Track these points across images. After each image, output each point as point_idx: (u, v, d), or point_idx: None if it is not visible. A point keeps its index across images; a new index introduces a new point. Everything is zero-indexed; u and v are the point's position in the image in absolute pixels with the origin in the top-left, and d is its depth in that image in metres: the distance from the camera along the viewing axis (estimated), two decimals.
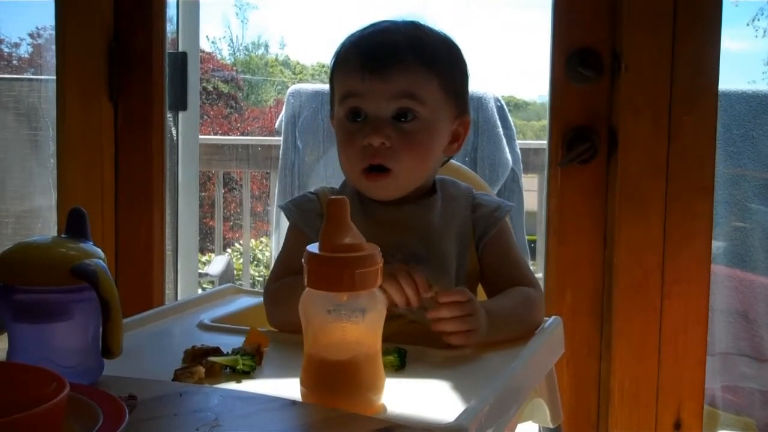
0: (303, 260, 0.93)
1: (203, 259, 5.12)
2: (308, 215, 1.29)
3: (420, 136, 1.24)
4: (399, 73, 1.23)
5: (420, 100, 1.23)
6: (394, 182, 1.25)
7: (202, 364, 1.03)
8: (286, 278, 1.23)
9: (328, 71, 1.34)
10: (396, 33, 1.27)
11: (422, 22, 1.30)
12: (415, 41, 1.25)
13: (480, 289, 1.34)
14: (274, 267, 1.32)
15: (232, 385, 1.01)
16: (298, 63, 8.26)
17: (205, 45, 7.30)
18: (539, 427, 1.43)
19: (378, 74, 1.23)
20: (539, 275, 2.07)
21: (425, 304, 1.15)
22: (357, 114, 1.25)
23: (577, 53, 2.02)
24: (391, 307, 1.12)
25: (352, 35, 1.31)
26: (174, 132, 2.44)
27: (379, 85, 1.23)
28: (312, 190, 1.35)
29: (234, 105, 7.21)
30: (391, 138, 1.23)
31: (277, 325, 1.24)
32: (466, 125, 1.32)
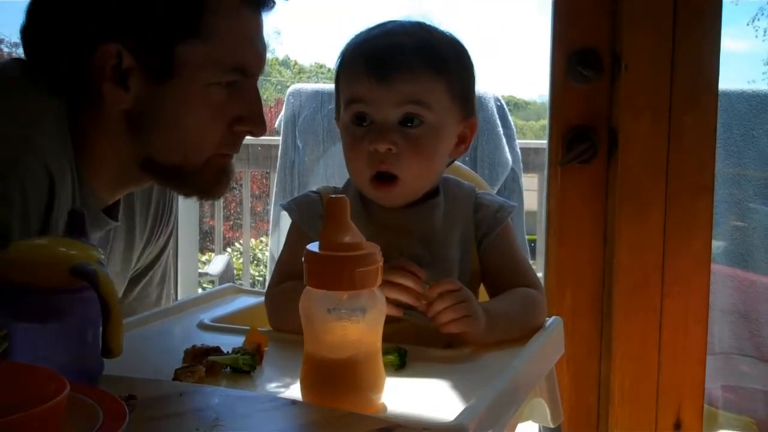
0: (303, 259, 0.93)
1: (203, 258, 5.12)
2: (310, 216, 1.29)
3: (426, 141, 1.23)
4: (406, 79, 1.21)
5: (427, 106, 1.22)
6: (403, 190, 1.25)
7: (202, 363, 1.03)
8: (287, 283, 1.23)
9: (333, 70, 1.31)
10: (403, 35, 1.24)
11: (429, 23, 1.28)
12: (422, 45, 1.23)
13: (481, 291, 1.34)
14: (275, 268, 1.32)
15: (233, 385, 1.01)
16: (297, 63, 8.27)
17: None
18: (539, 426, 1.43)
19: (384, 80, 1.21)
20: (539, 275, 2.07)
21: (424, 309, 1.15)
22: (362, 118, 1.24)
23: (577, 53, 2.02)
24: (394, 314, 1.12)
25: (358, 35, 1.29)
26: None
27: (386, 91, 1.21)
28: (314, 189, 1.34)
29: None
30: (397, 144, 1.21)
31: (278, 329, 1.24)
32: (472, 127, 1.31)
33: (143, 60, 1.23)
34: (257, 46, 1.30)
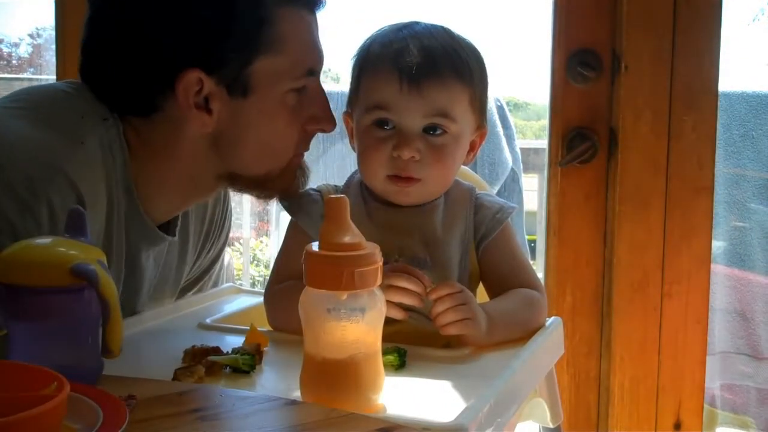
0: (302, 259, 0.93)
1: None
2: (310, 215, 1.28)
3: (447, 150, 1.24)
4: (437, 90, 1.21)
5: (452, 118, 1.23)
6: (422, 189, 1.25)
7: (202, 363, 1.03)
8: (287, 283, 1.23)
9: (352, 62, 1.30)
10: (432, 40, 1.24)
11: (452, 29, 1.28)
12: (452, 54, 1.23)
13: (481, 291, 1.34)
14: (274, 267, 1.32)
15: (232, 385, 1.01)
16: None
17: None
18: (539, 426, 1.43)
19: (416, 88, 1.20)
20: (539, 275, 2.07)
21: (426, 312, 1.15)
22: (385, 122, 1.24)
23: (577, 53, 2.02)
24: (399, 317, 1.12)
25: (384, 34, 1.27)
26: None
27: (416, 100, 1.21)
28: (315, 187, 1.34)
29: None
30: (420, 151, 1.22)
31: (278, 329, 1.24)
32: (482, 136, 1.32)
33: (223, 82, 1.25)
34: (318, 46, 1.33)
